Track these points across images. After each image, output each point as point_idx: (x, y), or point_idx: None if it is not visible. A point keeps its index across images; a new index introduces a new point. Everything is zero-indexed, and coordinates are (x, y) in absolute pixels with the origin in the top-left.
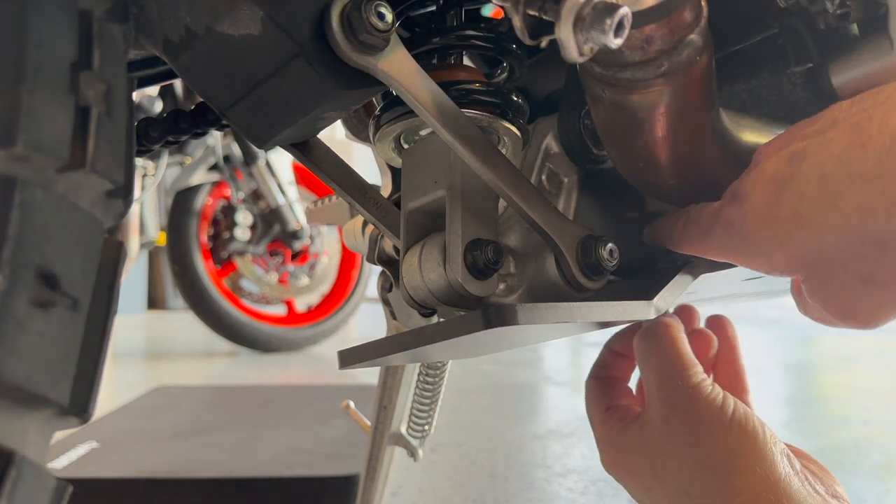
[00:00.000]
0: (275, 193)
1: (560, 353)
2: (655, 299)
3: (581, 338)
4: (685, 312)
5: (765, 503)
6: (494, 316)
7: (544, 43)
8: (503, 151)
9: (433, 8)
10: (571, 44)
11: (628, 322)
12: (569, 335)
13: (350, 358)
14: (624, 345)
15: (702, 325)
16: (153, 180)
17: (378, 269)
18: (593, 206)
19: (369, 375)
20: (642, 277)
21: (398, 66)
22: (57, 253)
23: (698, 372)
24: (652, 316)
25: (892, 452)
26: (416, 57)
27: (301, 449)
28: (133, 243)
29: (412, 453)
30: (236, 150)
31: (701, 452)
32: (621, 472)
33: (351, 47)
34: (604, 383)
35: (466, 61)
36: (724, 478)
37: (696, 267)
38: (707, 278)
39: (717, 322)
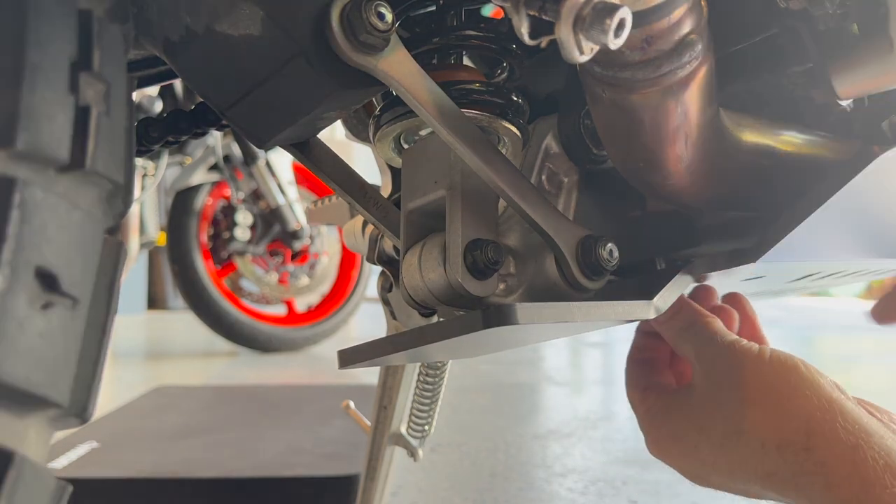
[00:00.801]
0: (275, 193)
1: (560, 353)
2: (655, 299)
3: (581, 338)
4: (703, 291)
5: (819, 422)
6: (494, 316)
7: (544, 43)
8: (503, 151)
9: (433, 8)
10: (571, 44)
11: (628, 322)
12: (569, 335)
13: (350, 358)
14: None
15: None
16: (153, 180)
17: (378, 269)
18: (593, 206)
19: (369, 375)
20: (642, 277)
21: (398, 66)
22: (57, 253)
23: (729, 333)
24: (652, 316)
25: None
26: (416, 57)
27: (301, 449)
28: (133, 243)
29: (412, 453)
30: (236, 150)
31: (747, 391)
32: (667, 447)
33: (351, 47)
34: (640, 365)
35: (466, 61)
36: (774, 406)
37: (695, 267)
38: (707, 278)
39: (734, 299)
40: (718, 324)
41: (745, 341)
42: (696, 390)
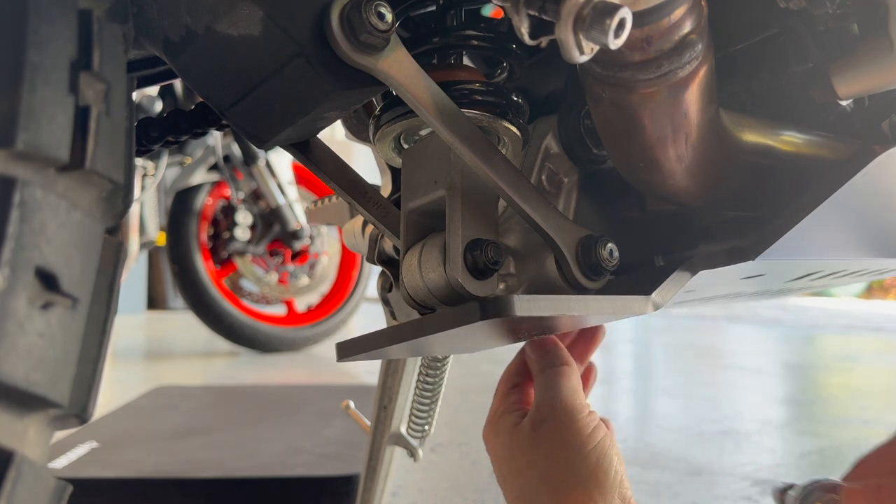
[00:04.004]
0: (275, 193)
1: None
2: (653, 294)
3: None
4: (584, 344)
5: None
6: (491, 307)
7: (544, 43)
8: (503, 151)
9: (433, 8)
10: (571, 44)
11: (626, 317)
12: (567, 331)
13: (348, 350)
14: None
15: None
16: (153, 180)
17: (378, 269)
18: (593, 206)
19: (369, 375)
20: (641, 274)
21: (398, 66)
22: (57, 253)
23: (579, 394)
24: (650, 311)
25: None
26: (416, 57)
27: (301, 449)
28: (133, 243)
29: (412, 453)
30: (236, 150)
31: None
32: (497, 456)
33: (351, 47)
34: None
35: (466, 61)
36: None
37: (693, 264)
38: (706, 276)
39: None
40: (576, 379)
41: (585, 413)
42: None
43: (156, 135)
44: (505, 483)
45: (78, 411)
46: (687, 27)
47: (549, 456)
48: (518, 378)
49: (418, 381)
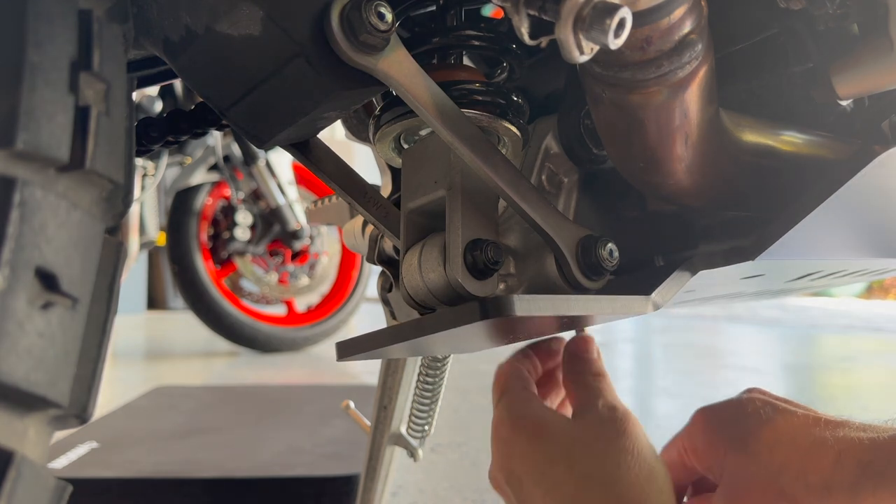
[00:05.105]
0: (275, 193)
1: None
2: (653, 294)
3: None
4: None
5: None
6: (491, 307)
7: (544, 43)
8: (503, 151)
9: (433, 8)
10: (571, 44)
11: (626, 317)
12: (567, 331)
13: (348, 349)
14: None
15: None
16: (153, 180)
17: (378, 269)
18: (593, 206)
19: (369, 375)
20: (641, 274)
21: (398, 66)
22: (56, 253)
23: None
24: (650, 311)
25: None
26: (416, 57)
27: (301, 449)
28: (133, 243)
29: (412, 453)
30: (236, 150)
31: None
32: (519, 452)
33: (351, 47)
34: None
35: (466, 61)
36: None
37: (693, 264)
38: (706, 276)
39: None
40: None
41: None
42: (579, 428)
43: (156, 135)
44: (523, 482)
45: (78, 411)
46: (687, 27)
47: (603, 453)
48: (525, 381)
49: (418, 381)
